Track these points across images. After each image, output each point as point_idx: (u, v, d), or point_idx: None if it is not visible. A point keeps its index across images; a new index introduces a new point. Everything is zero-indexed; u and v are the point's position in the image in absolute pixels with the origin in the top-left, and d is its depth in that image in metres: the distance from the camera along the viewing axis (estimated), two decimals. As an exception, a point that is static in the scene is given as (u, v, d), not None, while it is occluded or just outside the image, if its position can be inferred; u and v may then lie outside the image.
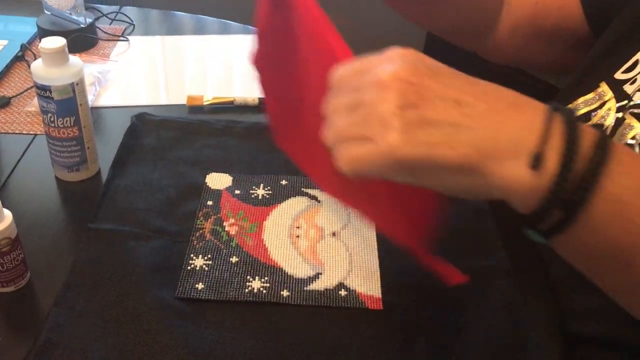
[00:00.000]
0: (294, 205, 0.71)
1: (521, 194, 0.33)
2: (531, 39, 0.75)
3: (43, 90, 0.68)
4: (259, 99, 0.93)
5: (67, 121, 0.70)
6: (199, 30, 1.19)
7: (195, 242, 0.65)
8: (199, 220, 0.68)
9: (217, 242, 0.66)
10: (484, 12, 0.76)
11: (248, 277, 0.62)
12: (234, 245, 0.66)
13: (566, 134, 0.32)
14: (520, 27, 0.75)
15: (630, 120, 0.60)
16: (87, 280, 0.60)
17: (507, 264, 0.64)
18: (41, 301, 0.60)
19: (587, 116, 0.64)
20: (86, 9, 1.15)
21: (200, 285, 0.60)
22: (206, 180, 0.74)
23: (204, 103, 0.91)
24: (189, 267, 0.62)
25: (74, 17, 1.08)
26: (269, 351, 0.55)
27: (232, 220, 0.69)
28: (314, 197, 0.72)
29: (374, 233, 0.68)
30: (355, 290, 0.61)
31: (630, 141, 0.59)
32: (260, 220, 0.69)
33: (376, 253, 0.66)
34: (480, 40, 0.78)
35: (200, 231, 0.67)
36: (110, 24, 1.17)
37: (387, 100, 0.33)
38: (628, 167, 0.32)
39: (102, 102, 0.92)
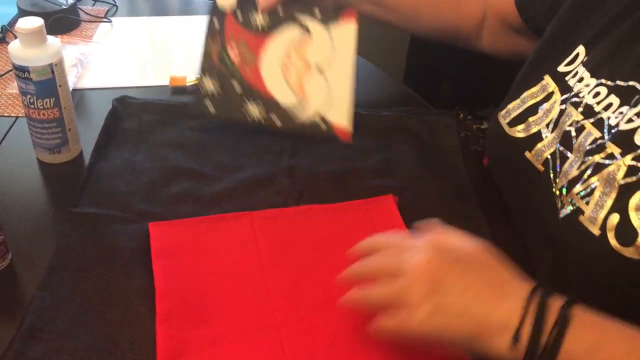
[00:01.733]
0: (287, 36, 0.79)
1: (506, 357, 0.46)
2: (509, 35, 0.82)
3: (21, 72, 0.67)
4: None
5: (46, 102, 0.69)
6: (185, 10, 1.17)
7: (205, 62, 0.78)
8: (207, 43, 0.78)
9: (224, 69, 0.78)
10: (464, 20, 0.83)
11: (246, 101, 0.76)
12: (237, 75, 0.78)
13: (537, 317, 0.44)
14: (496, 28, 0.82)
15: (570, 109, 0.63)
16: (71, 264, 0.59)
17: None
18: (24, 285, 0.59)
19: (534, 109, 0.67)
20: (66, -11, 1.13)
21: (211, 108, 0.78)
22: None
23: (187, 84, 0.91)
24: (202, 91, 0.78)
25: (56, -3, 1.05)
26: None
27: (235, 47, 0.78)
28: (305, 28, 0.79)
29: (352, 69, 0.78)
30: (331, 122, 0.77)
31: (568, 127, 0.62)
32: (258, 50, 0.79)
33: (350, 86, 0.76)
34: (471, 43, 0.85)
35: (209, 54, 0.78)
36: (92, 5, 1.15)
37: (419, 286, 0.47)
38: (581, 333, 0.44)
39: (84, 83, 0.91)
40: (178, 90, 0.90)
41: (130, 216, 0.65)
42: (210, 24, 0.79)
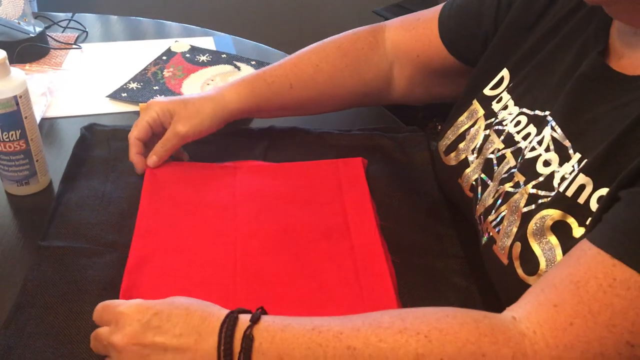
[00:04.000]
0: (219, 69, 0.97)
1: None
2: (428, 83, 0.80)
3: (-15, 105, 0.66)
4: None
5: (12, 135, 0.68)
6: (157, 34, 1.17)
7: (138, 76, 0.93)
8: (147, 65, 0.92)
9: (151, 78, 0.92)
10: (370, 84, 0.80)
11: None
12: (161, 81, 0.94)
13: (226, 355, 0.46)
14: (414, 79, 0.80)
15: (492, 136, 0.64)
16: (38, 301, 0.58)
17: (464, 264, 0.66)
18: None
19: (463, 136, 0.68)
20: (36, 17, 1.12)
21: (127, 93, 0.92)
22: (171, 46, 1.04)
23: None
24: (124, 86, 0.93)
25: (23, 26, 1.04)
26: None
27: (171, 69, 0.94)
28: (237, 67, 0.92)
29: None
30: None
31: (490, 155, 0.63)
32: (188, 73, 0.95)
33: None
34: (382, 99, 0.84)
35: (144, 71, 0.94)
36: (62, 32, 1.14)
37: None
38: (265, 353, 0.46)
39: (54, 112, 0.90)
40: (149, 114, 0.90)
41: (99, 248, 0.64)
42: (159, 57, 0.96)
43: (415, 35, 0.77)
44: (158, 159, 0.72)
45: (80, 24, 1.15)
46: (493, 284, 0.60)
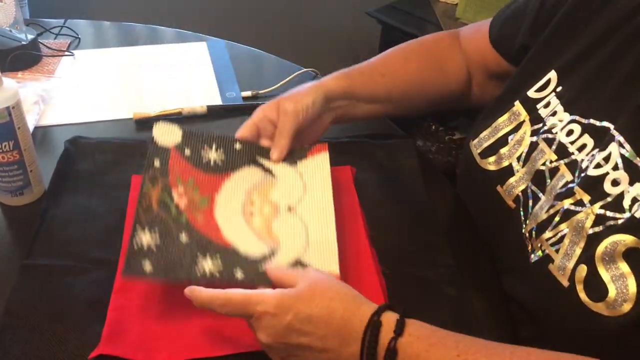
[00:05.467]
0: (247, 177, 0.67)
1: None
2: (493, 83, 0.80)
3: (-23, 117, 0.65)
4: (207, 106, 0.91)
5: (5, 146, 0.68)
6: (151, 40, 1.16)
7: (141, 212, 0.59)
8: (145, 185, 0.62)
9: (166, 216, 0.60)
10: (453, 86, 0.81)
11: (199, 256, 0.58)
12: (184, 221, 0.60)
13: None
14: (481, 80, 0.80)
15: (542, 145, 0.61)
16: (22, 323, 0.57)
17: (455, 274, 0.64)
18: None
19: (505, 139, 0.65)
20: (28, 24, 1.11)
21: (148, 267, 0.56)
22: (153, 133, 0.67)
23: (152, 115, 0.89)
24: (135, 247, 0.57)
25: (15, 34, 1.03)
26: None
27: (181, 189, 0.63)
28: (268, 170, 0.68)
29: (331, 203, 0.65)
30: (312, 266, 0.59)
31: (541, 166, 0.60)
32: (211, 193, 0.64)
33: (333, 226, 0.63)
34: (462, 103, 0.83)
35: (147, 200, 0.61)
36: (55, 39, 1.13)
37: (272, 352, 0.52)
38: None
39: (47, 120, 0.89)
40: (142, 122, 0.89)
41: (85, 265, 0.63)
42: (149, 164, 0.64)
43: (474, 44, 0.79)
44: (280, 153, 0.68)
45: (73, 30, 1.14)
46: (537, 301, 0.57)
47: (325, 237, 0.62)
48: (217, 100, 0.96)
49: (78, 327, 0.57)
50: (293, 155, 0.70)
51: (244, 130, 0.69)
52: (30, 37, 1.04)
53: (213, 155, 0.67)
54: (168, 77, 1.03)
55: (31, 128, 0.86)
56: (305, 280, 0.51)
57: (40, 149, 0.83)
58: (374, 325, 0.48)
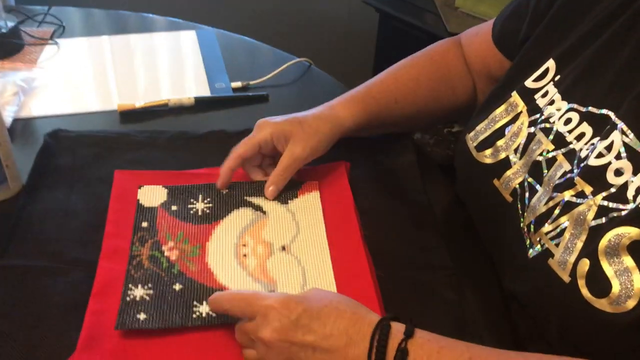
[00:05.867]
0: (237, 220, 0.66)
1: None
2: None
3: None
4: (195, 98, 0.88)
5: (-24, 140, 0.64)
6: (139, 28, 1.11)
7: (132, 271, 0.59)
8: (134, 247, 0.62)
9: (157, 270, 0.60)
10: (461, 98, 0.79)
11: (195, 302, 0.57)
12: (176, 272, 0.60)
13: None
14: (487, 88, 0.76)
15: (540, 136, 0.58)
16: None
17: (453, 277, 0.62)
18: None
19: (502, 131, 0.63)
20: (9, 11, 1.06)
21: (142, 316, 0.55)
22: (138, 197, 0.67)
23: (137, 107, 0.85)
24: (127, 299, 0.56)
25: (-6, 21, 0.99)
26: None
27: (171, 244, 0.63)
28: (259, 208, 0.68)
29: (326, 242, 0.64)
30: None
31: (538, 157, 0.58)
32: (202, 242, 0.63)
33: (330, 263, 0.62)
34: (470, 114, 0.79)
35: (137, 259, 0.61)
36: (38, 27, 1.08)
37: (271, 356, 0.49)
38: None
39: (28, 112, 0.85)
40: (127, 114, 0.85)
41: (62, 266, 0.60)
42: (136, 226, 0.64)
43: (475, 48, 0.77)
44: (276, 189, 0.68)
45: (57, 18, 1.10)
46: (536, 298, 0.55)
47: (323, 277, 0.61)
48: (206, 92, 0.92)
49: (53, 333, 0.54)
50: (284, 194, 0.69)
51: (245, 149, 0.68)
52: (10, 24, 0.99)
53: (200, 205, 0.67)
54: (155, 67, 0.99)
55: (10, 120, 0.82)
56: (310, 291, 0.52)
57: (19, 142, 0.79)
58: (383, 326, 0.48)
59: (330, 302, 0.50)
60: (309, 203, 0.68)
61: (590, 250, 0.49)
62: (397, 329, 0.48)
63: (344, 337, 0.48)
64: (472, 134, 0.66)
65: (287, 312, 0.48)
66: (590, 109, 0.55)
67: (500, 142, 0.63)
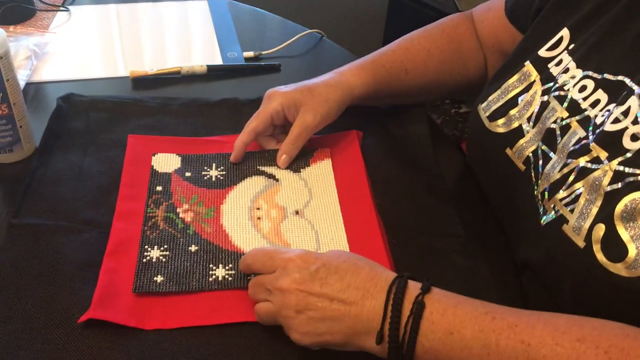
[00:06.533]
0: (251, 186, 0.67)
1: (377, 353, 0.49)
2: None
3: (-38, 68, 0.62)
4: (207, 66, 0.88)
5: (-7, 98, 0.64)
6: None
7: (148, 232, 0.60)
8: (149, 209, 0.62)
9: (173, 231, 0.61)
10: (472, 72, 0.79)
11: (211, 265, 0.58)
12: (191, 233, 0.61)
13: (394, 314, 0.47)
14: (498, 65, 0.75)
15: (554, 103, 0.58)
16: (10, 283, 0.55)
17: (466, 244, 0.62)
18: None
19: (515, 101, 0.63)
20: (20, -23, 1.06)
21: (159, 278, 0.56)
22: (152, 163, 0.68)
23: (149, 74, 0.85)
24: (144, 260, 0.57)
25: (7, -14, 0.99)
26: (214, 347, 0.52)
27: (185, 206, 0.64)
28: (271, 176, 0.68)
29: (338, 208, 0.65)
30: None
31: (552, 125, 0.58)
32: (217, 204, 0.64)
33: (343, 228, 0.63)
34: (480, 89, 0.78)
35: (152, 220, 0.61)
36: (50, -7, 1.08)
37: (287, 305, 0.50)
38: (435, 323, 0.46)
39: (40, 76, 0.86)
40: (138, 81, 0.85)
41: (75, 226, 0.61)
42: (151, 190, 0.65)
43: (487, 23, 0.77)
44: (289, 158, 0.69)
45: (68, -15, 1.09)
46: (549, 264, 0.55)
47: (336, 241, 0.62)
48: (218, 60, 0.92)
49: (68, 288, 0.55)
50: (296, 162, 0.70)
51: (258, 122, 0.68)
52: (23, -10, 1.00)
53: (214, 172, 0.68)
54: (167, 35, 0.99)
55: (23, 84, 0.82)
56: (329, 251, 0.53)
57: (31, 105, 0.79)
58: (400, 281, 0.48)
59: (348, 258, 0.51)
60: (321, 170, 0.69)
61: (605, 215, 0.49)
62: (414, 285, 0.49)
63: (361, 290, 0.48)
64: (484, 104, 0.66)
65: (307, 265, 0.50)
66: (606, 75, 0.55)
67: (513, 111, 0.63)
